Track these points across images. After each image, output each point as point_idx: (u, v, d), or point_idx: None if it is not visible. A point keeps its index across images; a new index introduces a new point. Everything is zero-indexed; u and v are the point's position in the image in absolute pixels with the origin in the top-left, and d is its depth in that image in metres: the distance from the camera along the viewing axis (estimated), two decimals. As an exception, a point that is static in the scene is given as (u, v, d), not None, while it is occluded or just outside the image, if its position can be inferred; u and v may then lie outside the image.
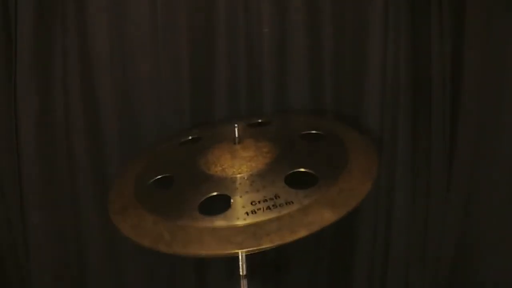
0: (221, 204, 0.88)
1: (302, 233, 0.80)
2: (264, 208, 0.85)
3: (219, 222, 0.84)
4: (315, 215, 0.83)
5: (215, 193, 0.92)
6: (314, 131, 1.14)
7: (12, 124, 1.30)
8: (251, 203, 0.87)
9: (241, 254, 1.02)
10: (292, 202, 0.86)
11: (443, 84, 1.35)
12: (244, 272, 1.05)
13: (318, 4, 1.33)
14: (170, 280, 1.48)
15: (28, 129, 1.30)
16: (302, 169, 0.95)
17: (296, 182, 0.92)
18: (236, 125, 1.05)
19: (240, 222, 0.83)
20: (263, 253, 1.44)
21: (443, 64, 1.34)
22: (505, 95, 1.22)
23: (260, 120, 1.24)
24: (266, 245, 0.79)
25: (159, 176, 1.04)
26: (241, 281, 1.06)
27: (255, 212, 0.84)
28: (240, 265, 1.05)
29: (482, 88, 1.28)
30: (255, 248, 0.79)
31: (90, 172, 1.37)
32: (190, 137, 1.22)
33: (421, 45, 1.33)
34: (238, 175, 0.96)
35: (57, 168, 1.35)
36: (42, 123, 1.31)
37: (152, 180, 1.03)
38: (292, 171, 0.94)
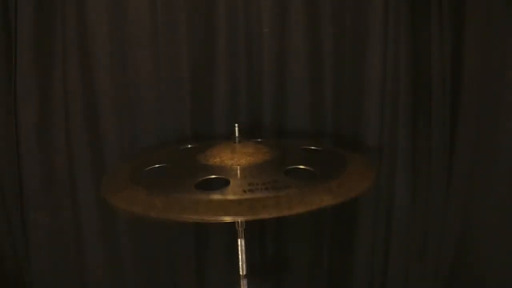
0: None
1: (300, 209, 0.78)
2: (262, 189, 0.83)
3: (215, 196, 0.82)
4: (314, 197, 0.82)
5: (212, 176, 0.91)
6: (313, 147, 1.14)
7: (12, 124, 1.30)
8: (249, 184, 0.85)
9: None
10: (291, 187, 0.84)
11: (443, 84, 1.35)
12: (244, 272, 1.06)
13: (318, 4, 1.33)
14: (171, 280, 1.48)
15: (28, 129, 1.30)
16: (302, 166, 0.95)
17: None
18: (236, 124, 1.05)
19: (236, 197, 0.81)
20: (263, 252, 1.47)
21: (443, 64, 1.34)
22: (505, 95, 1.21)
23: (259, 140, 1.24)
24: (263, 215, 0.77)
25: (156, 165, 1.03)
26: (241, 281, 1.06)
27: (253, 191, 0.83)
28: (240, 265, 1.06)
29: (482, 88, 1.27)
30: (251, 217, 0.77)
31: (90, 172, 1.37)
32: (189, 146, 1.22)
33: (421, 45, 1.33)
34: (237, 165, 0.95)
35: (57, 168, 1.36)
36: (42, 123, 1.32)
37: (148, 168, 1.02)
38: (291, 167, 0.94)
